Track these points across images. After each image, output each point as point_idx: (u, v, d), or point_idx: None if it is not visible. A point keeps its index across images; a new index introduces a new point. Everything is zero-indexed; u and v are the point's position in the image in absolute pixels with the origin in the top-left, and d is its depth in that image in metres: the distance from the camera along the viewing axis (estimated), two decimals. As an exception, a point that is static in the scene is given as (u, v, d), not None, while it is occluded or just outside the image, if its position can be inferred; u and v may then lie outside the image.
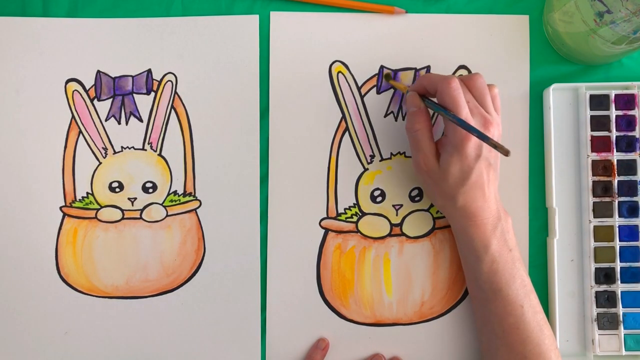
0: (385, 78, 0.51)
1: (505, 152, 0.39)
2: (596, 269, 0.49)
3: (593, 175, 0.50)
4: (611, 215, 0.49)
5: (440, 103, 0.44)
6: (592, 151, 0.50)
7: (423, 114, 0.46)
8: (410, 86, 0.48)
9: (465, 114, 0.43)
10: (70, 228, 0.51)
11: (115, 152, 0.52)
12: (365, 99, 0.51)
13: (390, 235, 0.51)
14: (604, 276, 0.49)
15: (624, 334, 0.49)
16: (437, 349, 0.51)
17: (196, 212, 0.51)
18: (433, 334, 0.51)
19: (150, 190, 0.52)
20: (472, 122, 0.43)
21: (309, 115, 0.51)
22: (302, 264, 0.51)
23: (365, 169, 0.51)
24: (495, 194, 0.46)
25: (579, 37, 0.47)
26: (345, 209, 0.51)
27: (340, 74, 0.51)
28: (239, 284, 0.51)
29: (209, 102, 0.51)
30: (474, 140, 0.43)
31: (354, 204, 0.51)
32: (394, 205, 0.51)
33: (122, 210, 0.51)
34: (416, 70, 0.51)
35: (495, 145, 0.39)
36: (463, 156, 0.43)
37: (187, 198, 0.51)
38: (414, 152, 0.46)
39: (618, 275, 0.49)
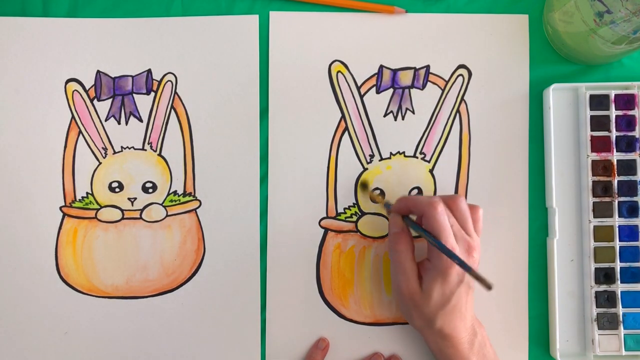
0: (361, 187, 0.51)
1: (488, 286, 0.37)
2: (596, 269, 0.49)
3: (593, 175, 0.50)
4: (611, 215, 0.49)
5: (426, 227, 0.44)
6: (592, 151, 0.50)
7: (406, 235, 0.45)
8: (394, 206, 0.47)
9: (451, 241, 0.42)
10: (70, 228, 0.51)
11: (115, 152, 0.52)
12: (364, 98, 0.51)
13: (390, 235, 0.51)
14: (604, 276, 0.49)
15: (624, 334, 0.49)
16: (437, 349, 0.51)
17: (196, 212, 0.51)
18: (433, 334, 0.51)
19: (150, 190, 0.52)
20: (457, 248, 0.42)
21: (309, 115, 0.51)
22: (301, 264, 0.51)
23: (365, 169, 0.51)
24: (471, 312, 0.46)
25: (579, 37, 0.47)
26: (344, 208, 0.51)
27: (339, 74, 0.51)
28: (239, 284, 0.51)
29: (209, 102, 0.51)
30: (457, 266, 0.42)
31: (353, 203, 0.51)
32: (393, 205, 0.51)
33: (122, 210, 0.51)
34: (415, 69, 0.51)
35: (478, 278, 0.38)
36: (446, 281, 0.43)
37: (187, 198, 0.51)
38: (395, 274, 0.46)
39: (618, 275, 0.49)
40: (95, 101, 0.52)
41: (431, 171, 0.51)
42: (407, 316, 0.47)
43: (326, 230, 0.51)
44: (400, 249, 0.45)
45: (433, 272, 0.43)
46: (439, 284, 0.43)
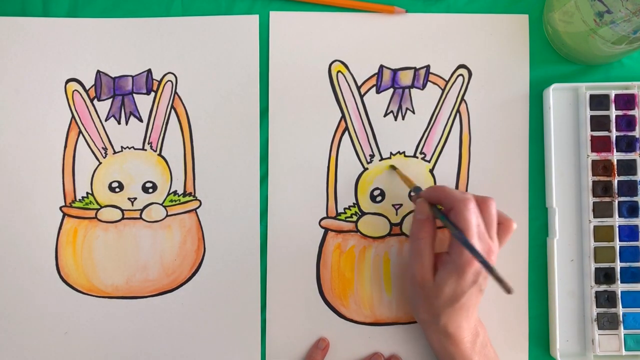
0: (391, 167, 0.51)
1: (508, 290, 0.36)
2: (596, 269, 0.49)
3: (593, 175, 0.50)
4: (611, 215, 0.49)
5: (453, 221, 0.43)
6: (592, 151, 0.50)
7: (430, 223, 0.45)
8: (424, 192, 0.46)
9: (474, 240, 0.42)
10: (70, 228, 0.51)
11: (115, 152, 0.52)
12: (364, 98, 0.51)
13: (390, 234, 0.51)
14: (604, 276, 0.49)
15: (624, 334, 0.49)
16: (437, 349, 0.51)
17: (196, 212, 0.51)
18: (433, 334, 0.51)
19: (150, 190, 0.52)
20: (478, 247, 0.42)
21: (309, 114, 0.51)
22: (302, 264, 0.51)
23: (365, 169, 0.51)
24: (476, 314, 0.46)
25: (579, 37, 0.47)
26: (345, 208, 0.51)
27: (339, 74, 0.51)
28: (239, 284, 0.51)
29: (209, 102, 0.51)
30: (476, 266, 0.42)
31: (353, 203, 0.51)
32: (393, 205, 0.51)
33: (122, 210, 0.51)
34: (416, 69, 0.51)
35: (499, 280, 0.37)
36: (461, 279, 0.42)
37: (187, 198, 0.51)
38: (413, 261, 0.45)
39: (618, 275, 0.49)
40: (95, 101, 0.52)
41: (431, 171, 0.51)
42: (413, 308, 0.47)
43: (326, 230, 0.51)
44: (422, 236, 0.45)
45: (450, 267, 0.43)
46: (454, 279, 0.43)
